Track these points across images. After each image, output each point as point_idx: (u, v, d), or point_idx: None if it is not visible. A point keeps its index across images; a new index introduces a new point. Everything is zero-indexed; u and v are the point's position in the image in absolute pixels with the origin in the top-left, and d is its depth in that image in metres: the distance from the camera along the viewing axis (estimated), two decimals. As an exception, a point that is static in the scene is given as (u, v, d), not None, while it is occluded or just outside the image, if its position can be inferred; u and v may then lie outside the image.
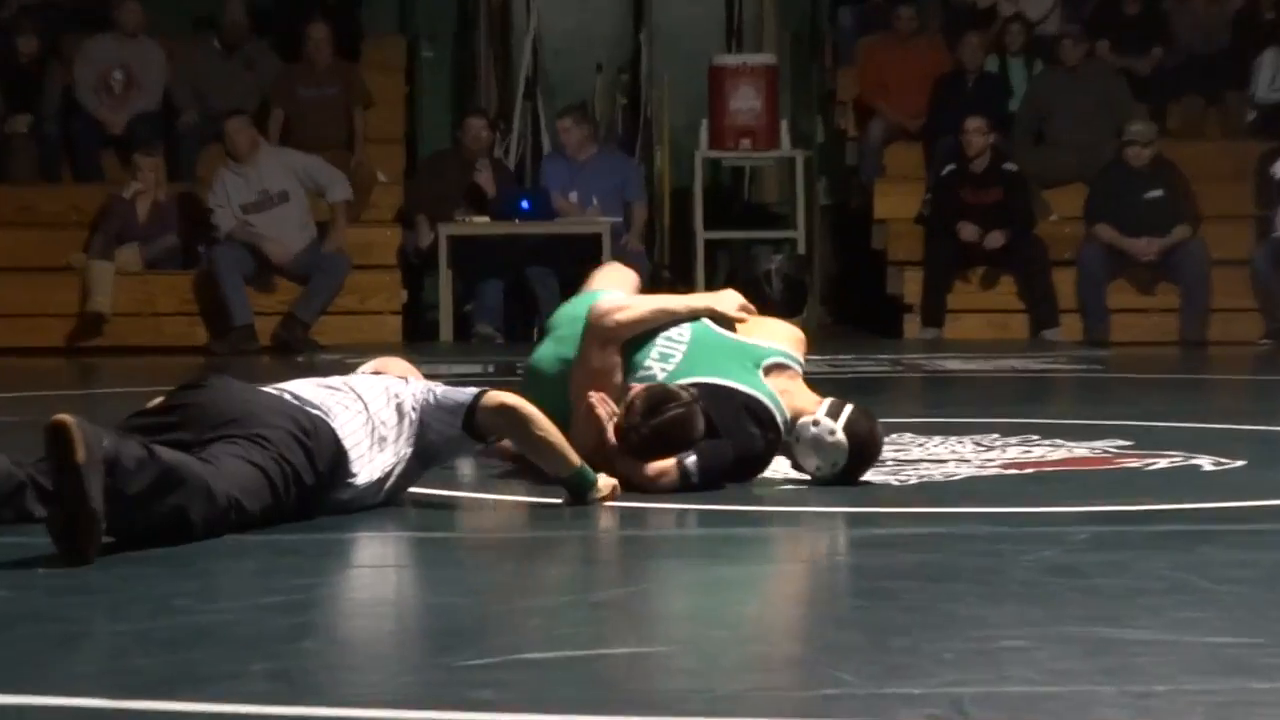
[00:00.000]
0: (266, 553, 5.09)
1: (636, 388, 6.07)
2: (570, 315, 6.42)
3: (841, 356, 12.19)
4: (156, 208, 13.18)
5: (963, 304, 13.54)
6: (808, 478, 6.26)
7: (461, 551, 5.53)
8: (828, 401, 6.07)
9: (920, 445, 7.46)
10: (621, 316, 6.17)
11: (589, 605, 4.60)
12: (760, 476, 6.33)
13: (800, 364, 6.32)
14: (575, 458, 5.68)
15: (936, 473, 6.78)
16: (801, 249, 14.27)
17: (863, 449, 6.15)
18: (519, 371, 11.40)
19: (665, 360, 6.26)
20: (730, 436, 6.03)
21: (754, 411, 5.89)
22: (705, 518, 5.90)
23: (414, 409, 5.52)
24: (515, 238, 13.71)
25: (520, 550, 5.56)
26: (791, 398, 6.02)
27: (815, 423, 5.89)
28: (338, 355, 12.32)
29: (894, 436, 7.38)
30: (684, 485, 5.95)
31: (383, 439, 5.45)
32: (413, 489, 5.83)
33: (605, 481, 5.82)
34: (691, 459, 5.94)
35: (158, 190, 13.20)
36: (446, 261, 13.49)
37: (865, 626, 4.28)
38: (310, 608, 4.52)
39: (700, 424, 5.97)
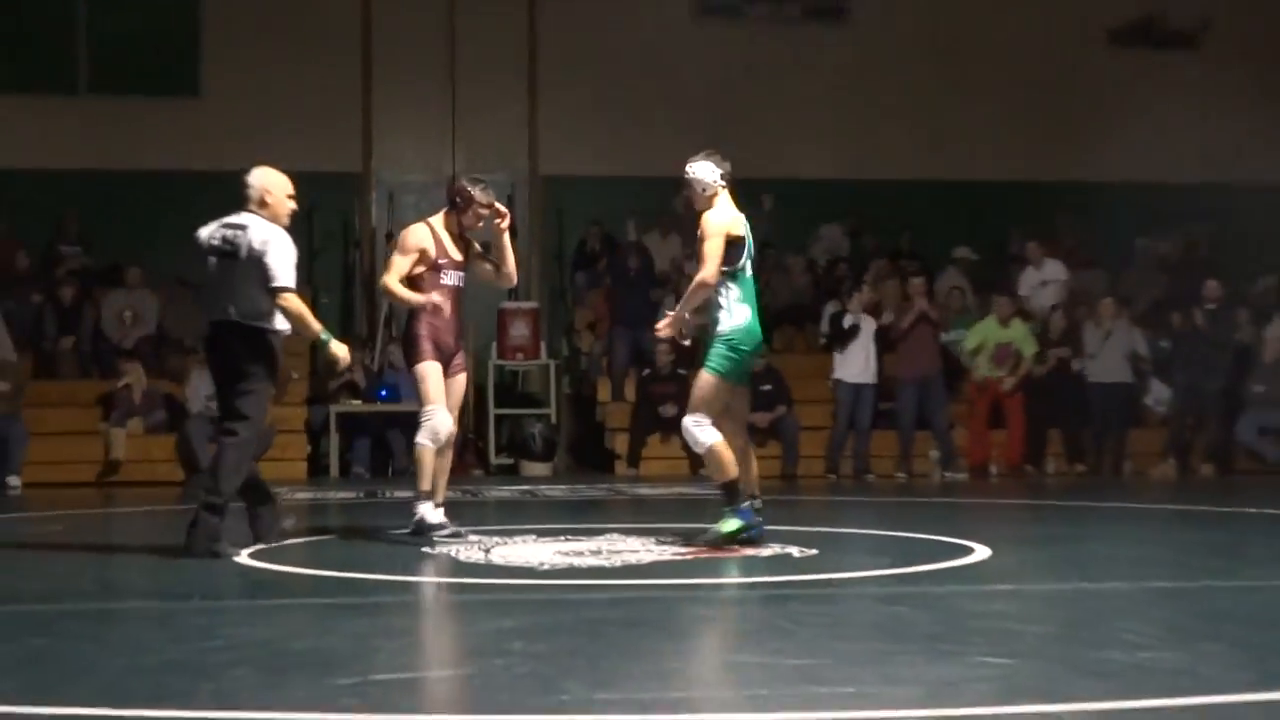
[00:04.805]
0: (220, 612, 5.51)
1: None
2: None
3: (577, 486, 13.20)
4: (147, 396, 14.28)
5: (651, 453, 14.81)
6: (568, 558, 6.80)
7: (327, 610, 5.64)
8: None
9: (624, 541, 7.78)
10: None
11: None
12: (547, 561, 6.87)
13: None
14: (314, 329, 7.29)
15: (633, 558, 7.09)
16: (554, 420, 15.58)
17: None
18: (383, 496, 11.46)
19: None
20: None
21: None
22: (493, 588, 6.16)
23: None
24: (377, 413, 14.72)
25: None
26: None
27: None
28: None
29: (607, 536, 7.93)
30: None
31: None
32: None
33: (336, 347, 7.37)
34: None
35: (140, 384, 14.20)
36: (335, 427, 14.67)
37: (586, 655, 4.53)
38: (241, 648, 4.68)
39: None
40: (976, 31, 17.98)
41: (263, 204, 7.73)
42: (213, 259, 7.69)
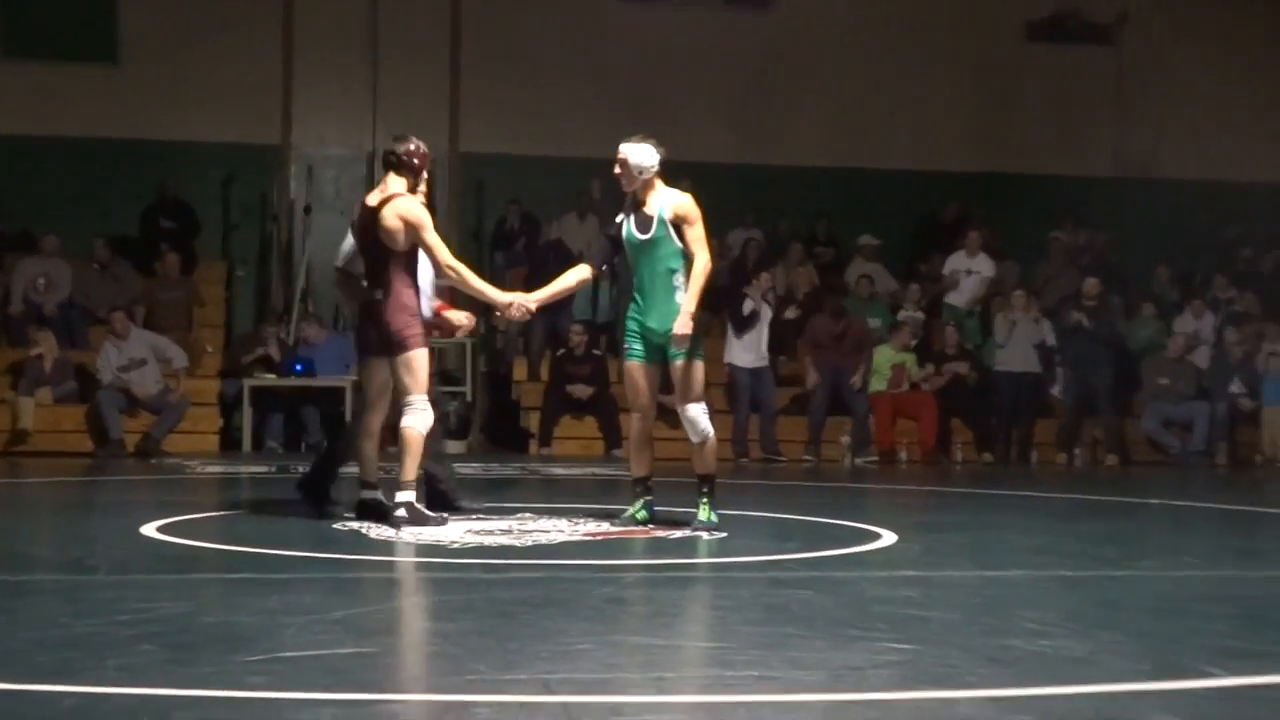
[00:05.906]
0: (127, 586, 5.49)
1: None
2: None
3: (490, 465, 13.21)
4: (58, 364, 14.39)
5: (564, 433, 15.13)
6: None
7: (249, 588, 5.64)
8: None
9: (535, 521, 7.87)
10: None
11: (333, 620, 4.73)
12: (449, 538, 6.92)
13: None
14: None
15: (544, 538, 7.15)
16: (469, 398, 15.68)
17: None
18: (294, 471, 11.01)
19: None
20: None
21: None
22: (403, 566, 6.38)
23: None
24: (291, 387, 14.88)
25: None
26: None
27: None
28: (178, 459, 13.16)
29: (519, 516, 8.05)
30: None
31: None
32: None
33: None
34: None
35: (52, 353, 14.38)
36: (249, 401, 14.79)
37: (495, 635, 4.54)
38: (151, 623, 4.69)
39: None
40: (896, 21, 18.22)
41: None
42: None
